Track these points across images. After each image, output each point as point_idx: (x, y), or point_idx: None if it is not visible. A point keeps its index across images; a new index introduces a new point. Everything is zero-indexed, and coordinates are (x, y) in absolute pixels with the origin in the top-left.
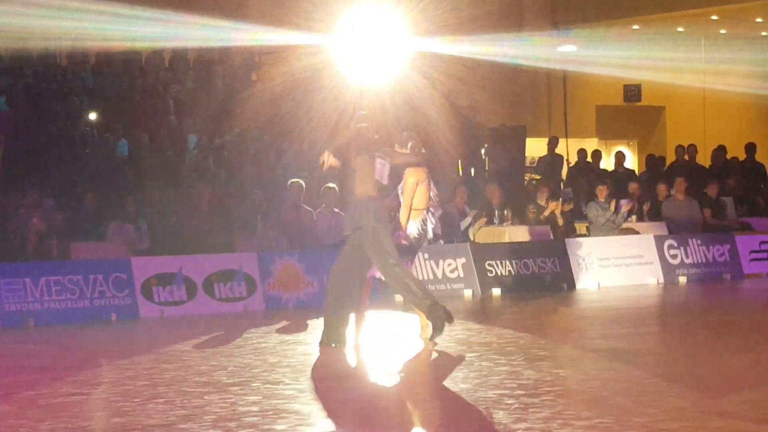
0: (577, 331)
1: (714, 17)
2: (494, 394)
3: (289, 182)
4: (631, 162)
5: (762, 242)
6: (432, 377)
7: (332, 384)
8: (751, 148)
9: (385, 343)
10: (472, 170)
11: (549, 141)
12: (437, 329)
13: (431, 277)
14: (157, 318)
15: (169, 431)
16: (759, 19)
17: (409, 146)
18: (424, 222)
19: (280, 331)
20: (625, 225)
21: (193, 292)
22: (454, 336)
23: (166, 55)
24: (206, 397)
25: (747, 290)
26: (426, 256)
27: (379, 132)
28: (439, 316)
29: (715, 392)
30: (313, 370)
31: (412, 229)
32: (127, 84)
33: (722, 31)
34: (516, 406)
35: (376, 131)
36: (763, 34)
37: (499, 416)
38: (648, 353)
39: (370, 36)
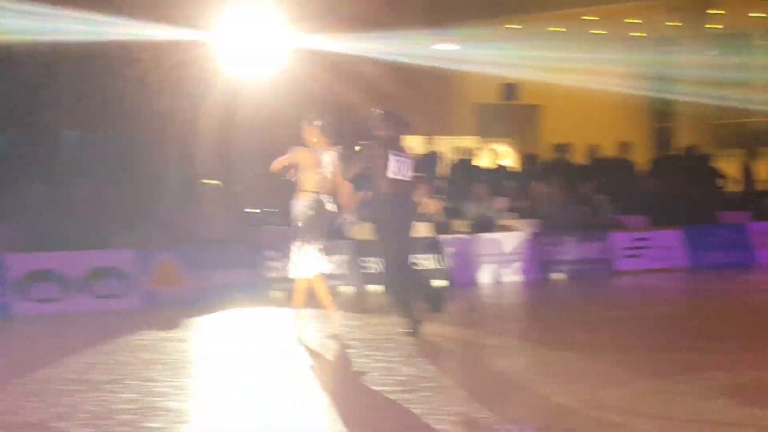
0: (455, 327)
1: (587, 17)
2: (373, 389)
3: (166, 179)
4: (509, 160)
5: (635, 239)
6: (309, 374)
7: (208, 381)
8: (623, 146)
9: (268, 341)
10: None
11: (426, 139)
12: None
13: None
14: (32, 316)
15: (42, 430)
16: (629, 20)
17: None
18: (312, 205)
19: (156, 328)
20: (502, 222)
21: (68, 289)
22: (332, 332)
23: (42, 49)
24: (80, 395)
25: (620, 287)
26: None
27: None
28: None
29: (588, 386)
30: (189, 366)
31: (299, 209)
32: (1, 79)
33: (595, 31)
34: (395, 402)
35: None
36: (634, 34)
37: (378, 413)
38: (523, 348)
39: (250, 33)
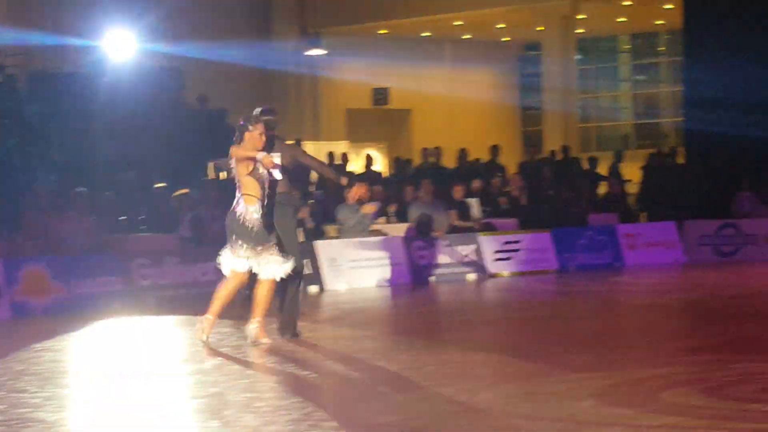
0: (327, 332)
1: (458, 23)
2: (244, 397)
3: (34, 186)
4: (380, 164)
5: (505, 242)
6: (182, 382)
7: (80, 391)
8: (494, 150)
9: (139, 350)
10: (222, 174)
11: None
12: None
13: (189, 281)
14: None
15: None
16: (500, 25)
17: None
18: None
19: (26, 338)
20: (373, 227)
21: None
22: (205, 339)
23: None
24: None
25: (492, 290)
26: (178, 260)
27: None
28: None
29: (461, 389)
30: (60, 377)
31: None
32: None
33: (466, 37)
34: (265, 409)
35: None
36: (504, 39)
37: (248, 419)
38: (397, 351)
39: (120, 39)
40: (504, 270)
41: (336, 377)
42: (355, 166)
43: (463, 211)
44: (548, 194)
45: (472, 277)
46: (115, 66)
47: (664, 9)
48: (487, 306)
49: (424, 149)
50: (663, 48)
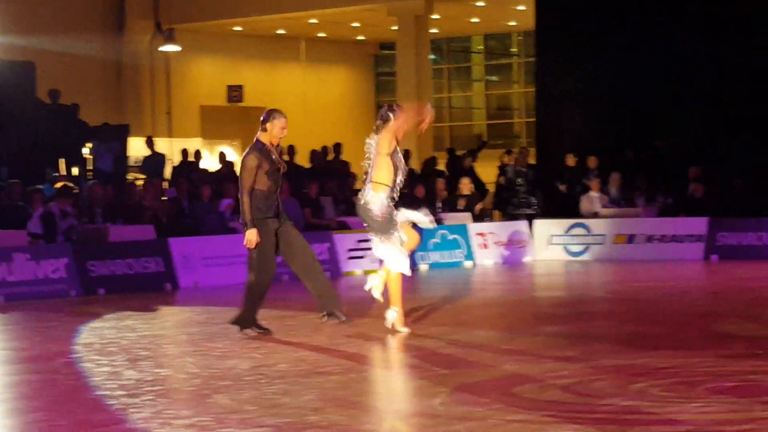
0: (177, 330)
1: (313, 20)
2: (95, 395)
3: None
4: (236, 162)
5: (359, 240)
6: (30, 379)
7: None
8: (337, 148)
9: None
10: (75, 169)
11: (146, 140)
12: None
13: (32, 278)
14: None
15: None
16: (355, 24)
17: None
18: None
19: None
20: (230, 224)
21: None
22: (55, 336)
23: None
24: None
25: (344, 288)
26: (27, 256)
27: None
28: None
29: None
30: None
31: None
32: None
33: (321, 35)
34: (117, 406)
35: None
36: (359, 38)
37: (100, 417)
38: (247, 349)
39: None
40: (357, 268)
41: (183, 374)
42: (210, 163)
43: (318, 210)
44: (403, 192)
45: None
46: None
47: (516, 10)
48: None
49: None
50: (515, 49)
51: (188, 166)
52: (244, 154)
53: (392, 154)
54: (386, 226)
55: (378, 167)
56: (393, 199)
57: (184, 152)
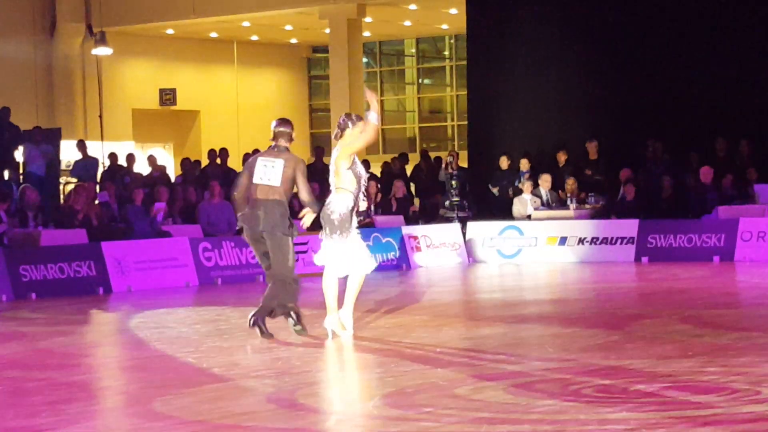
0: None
1: (245, 24)
2: (28, 401)
3: None
4: (168, 166)
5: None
6: None
7: None
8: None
9: None
10: (6, 173)
11: (77, 144)
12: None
13: None
14: None
15: None
16: (288, 27)
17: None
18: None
19: None
20: (162, 228)
21: None
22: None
23: None
24: None
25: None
26: None
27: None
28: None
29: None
30: None
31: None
32: None
33: (254, 38)
34: (48, 414)
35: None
36: (293, 41)
37: (33, 423)
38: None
39: None
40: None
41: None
42: (141, 166)
43: None
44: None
45: (260, 278)
46: None
47: (448, 14)
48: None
49: (211, 150)
50: (447, 52)
51: (118, 170)
52: (308, 161)
53: (352, 167)
54: (345, 225)
55: (340, 177)
56: (356, 206)
57: (112, 156)
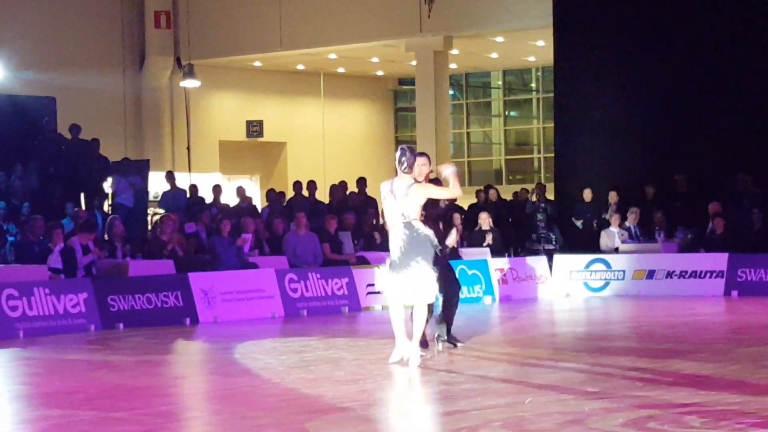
0: (198, 366)
1: (332, 56)
2: None
3: None
4: (255, 197)
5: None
6: (49, 415)
7: None
8: (362, 181)
9: None
10: (96, 204)
11: (166, 175)
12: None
13: (52, 312)
14: None
15: None
16: (374, 60)
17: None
18: None
19: None
20: (250, 259)
21: None
22: (75, 372)
23: None
24: None
25: (363, 323)
26: (47, 291)
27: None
28: None
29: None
30: None
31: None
32: None
33: (340, 70)
34: None
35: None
36: (379, 73)
37: None
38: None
39: None
40: (376, 304)
41: None
42: (229, 198)
43: (336, 245)
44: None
45: (345, 310)
46: None
47: (535, 46)
48: (358, 338)
49: (297, 182)
50: (534, 84)
51: (201, 202)
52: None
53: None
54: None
55: (417, 210)
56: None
57: (193, 187)
